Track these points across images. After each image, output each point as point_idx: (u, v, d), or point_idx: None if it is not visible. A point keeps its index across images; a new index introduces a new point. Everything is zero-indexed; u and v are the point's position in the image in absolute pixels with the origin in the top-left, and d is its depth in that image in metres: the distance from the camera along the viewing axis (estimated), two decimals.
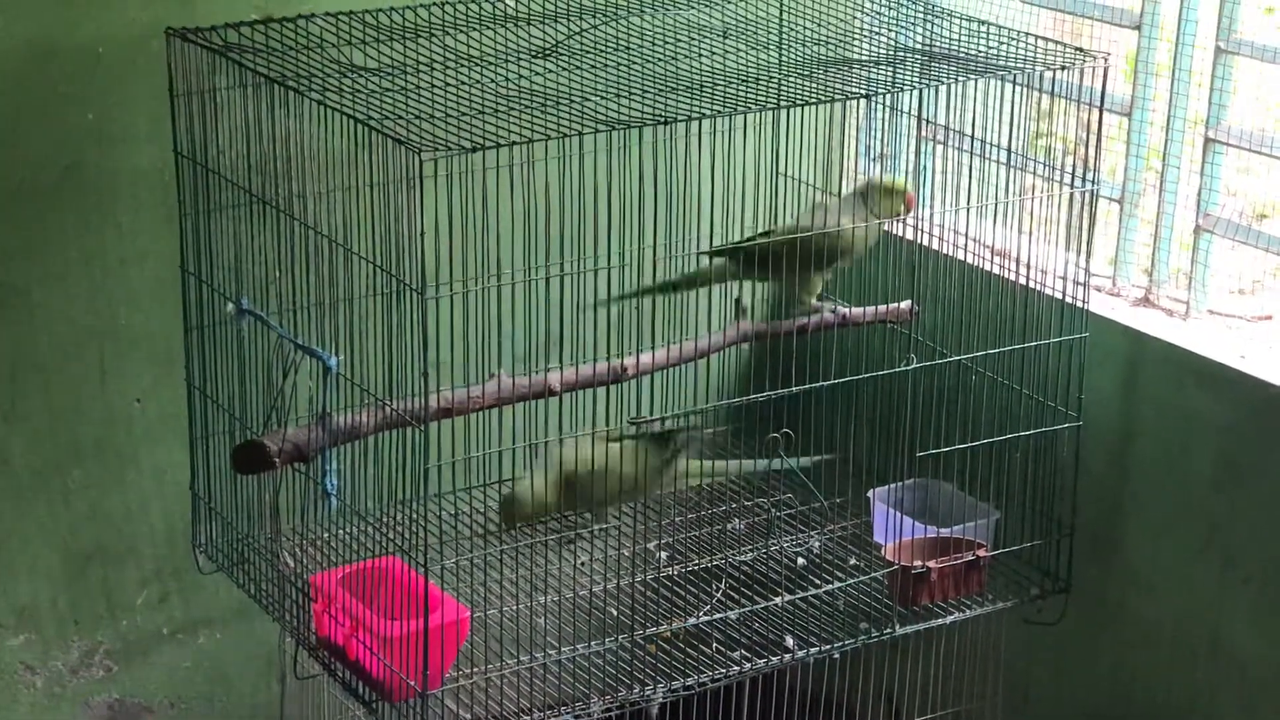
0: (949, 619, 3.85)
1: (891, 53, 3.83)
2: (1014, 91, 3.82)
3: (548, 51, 3.70)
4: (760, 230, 3.94)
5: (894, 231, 3.97)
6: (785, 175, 4.14)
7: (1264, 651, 3.82)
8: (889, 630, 3.80)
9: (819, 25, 3.94)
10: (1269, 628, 3.81)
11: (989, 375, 3.92)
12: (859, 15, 4.01)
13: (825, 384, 3.75)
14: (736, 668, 3.69)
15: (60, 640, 4.18)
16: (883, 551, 3.92)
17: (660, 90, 3.51)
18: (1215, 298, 4.08)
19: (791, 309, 3.90)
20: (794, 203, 4.24)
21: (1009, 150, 3.85)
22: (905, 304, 3.95)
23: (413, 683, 3.41)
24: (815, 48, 3.85)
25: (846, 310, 3.91)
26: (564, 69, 3.62)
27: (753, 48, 3.79)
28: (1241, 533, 3.83)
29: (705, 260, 3.89)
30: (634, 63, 3.67)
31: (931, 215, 3.93)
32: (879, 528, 4.02)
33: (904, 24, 3.97)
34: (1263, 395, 3.75)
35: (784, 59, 3.81)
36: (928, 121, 3.98)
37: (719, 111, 3.45)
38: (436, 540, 3.80)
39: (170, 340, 3.98)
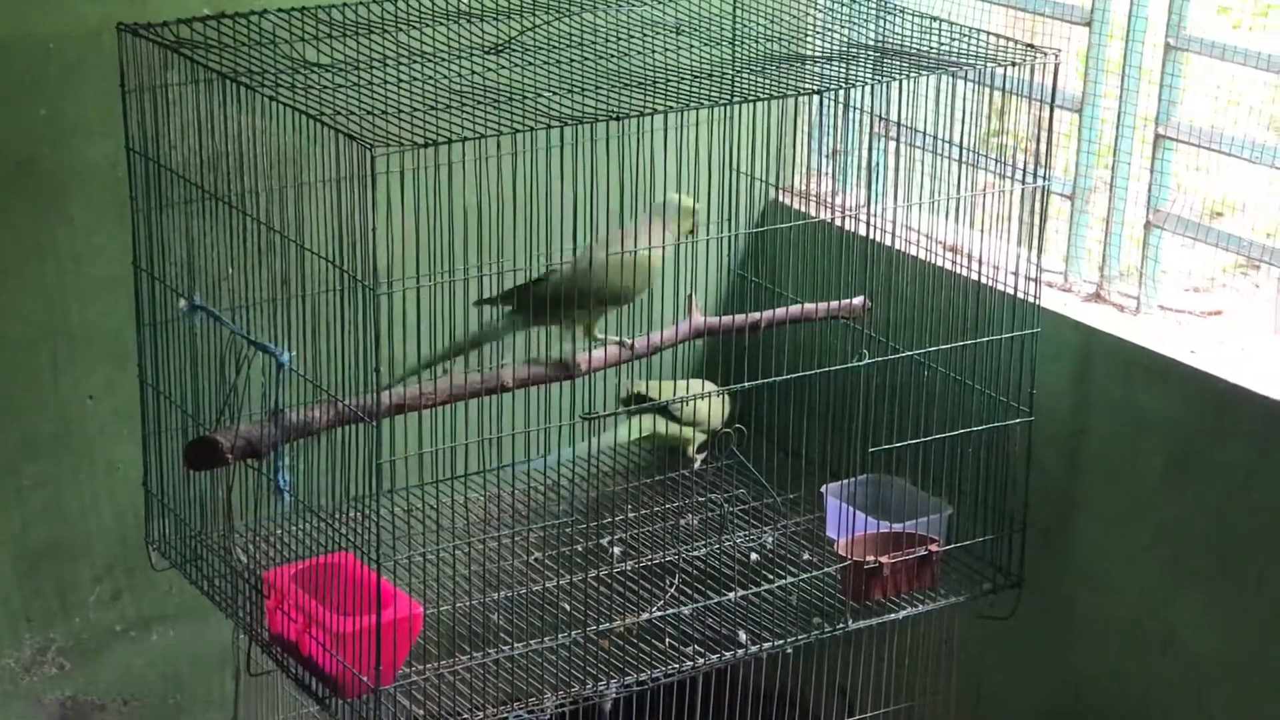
0: (901, 614, 3.86)
1: (844, 49, 3.84)
2: (966, 88, 3.83)
3: (501, 47, 3.70)
4: (539, 275, 3.75)
5: (846, 227, 3.98)
6: (739, 171, 4.15)
7: (1215, 645, 3.84)
8: (842, 625, 3.81)
9: (772, 21, 3.95)
10: (1219, 621, 3.83)
11: (941, 371, 3.93)
12: (812, 11, 4.02)
13: (778, 379, 3.76)
14: (690, 663, 3.69)
15: (12, 638, 4.16)
16: (835, 547, 3.92)
17: (613, 86, 3.51)
18: (1168, 294, 4.10)
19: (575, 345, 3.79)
20: (748, 199, 4.25)
21: (961, 146, 3.86)
22: (858, 300, 3.96)
23: (365, 678, 3.41)
24: (768, 44, 3.86)
25: (632, 343, 3.84)
26: (517, 65, 3.62)
27: (705, 44, 3.80)
28: (1192, 527, 3.85)
29: (489, 314, 3.75)
30: (587, 58, 3.67)
31: (883, 211, 3.94)
32: (832, 523, 4.02)
33: (857, 20, 3.98)
34: (1212, 390, 3.77)
35: (737, 55, 3.82)
36: (880, 117, 3.99)
37: (671, 107, 3.45)
38: (389, 536, 3.80)
39: (123, 336, 3.97)
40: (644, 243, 3.74)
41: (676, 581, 3.84)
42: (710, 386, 4.00)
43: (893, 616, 3.86)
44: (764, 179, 4.22)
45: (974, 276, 3.92)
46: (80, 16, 3.89)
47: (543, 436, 3.74)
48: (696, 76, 3.61)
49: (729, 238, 4.27)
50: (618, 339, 3.83)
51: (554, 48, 3.73)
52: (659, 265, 3.80)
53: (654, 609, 3.76)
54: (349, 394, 3.40)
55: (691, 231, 3.85)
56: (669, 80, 3.58)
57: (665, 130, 3.65)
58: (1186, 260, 4.18)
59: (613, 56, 3.69)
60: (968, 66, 3.74)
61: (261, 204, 3.53)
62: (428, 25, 3.77)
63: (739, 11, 3.99)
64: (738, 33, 3.91)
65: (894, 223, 3.93)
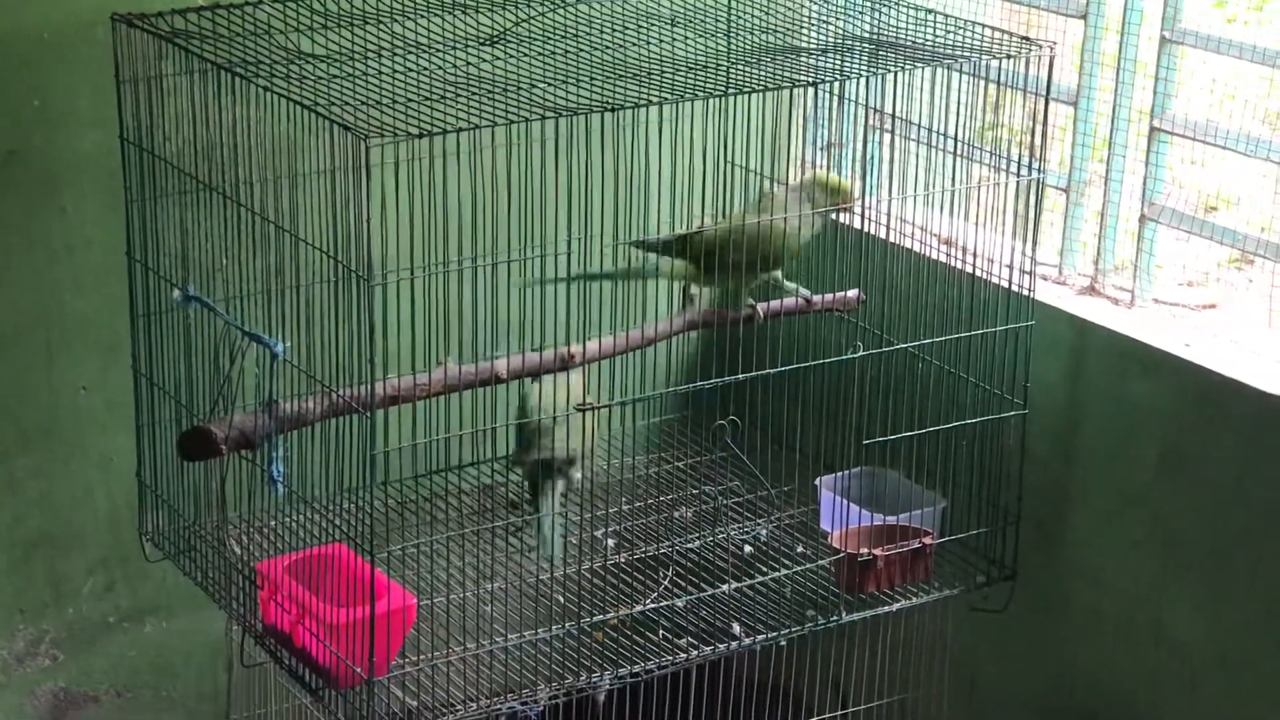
0: (895, 606, 3.86)
1: (839, 41, 3.84)
2: (961, 80, 3.83)
3: (496, 38, 3.70)
4: (693, 229, 3.86)
5: (841, 220, 3.98)
6: (733, 163, 4.15)
7: (1206, 637, 3.85)
8: (836, 618, 3.81)
9: (767, 13, 3.95)
10: (1211, 613, 3.84)
11: (936, 363, 3.93)
12: (807, 3, 4.02)
13: (773, 371, 3.75)
14: (684, 655, 3.69)
15: (6, 629, 4.16)
16: (830, 539, 3.92)
17: (608, 77, 3.51)
18: (1162, 287, 4.10)
19: (735, 303, 3.88)
20: (743, 191, 4.25)
21: (956, 139, 3.86)
22: (853, 292, 3.95)
23: (359, 670, 3.41)
24: (763, 36, 3.85)
25: (765, 305, 3.91)
26: (512, 56, 3.61)
27: (701, 35, 3.79)
28: (1184, 519, 3.86)
29: (649, 257, 3.87)
30: (582, 50, 3.67)
31: (878, 203, 3.94)
32: (826, 515, 4.03)
33: (852, 12, 3.98)
34: (1206, 383, 3.77)
35: (732, 47, 3.82)
36: (875, 110, 3.99)
37: (666, 99, 3.45)
38: (384, 527, 3.80)
39: (116, 327, 3.96)
40: (790, 213, 3.76)
41: (670, 574, 3.84)
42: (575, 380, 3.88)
43: (886, 609, 3.86)
44: (759, 171, 4.22)
45: (968, 269, 3.92)
46: (74, 7, 3.88)
47: (538, 430, 3.73)
48: (691, 68, 3.61)
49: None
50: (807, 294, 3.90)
51: (549, 39, 3.72)
52: (795, 237, 3.82)
53: (648, 601, 3.76)
54: (343, 385, 3.40)
55: (842, 210, 3.86)
56: (664, 72, 3.58)
57: (660, 122, 3.65)
58: (1181, 254, 4.18)
59: (608, 48, 3.69)
60: (963, 59, 3.74)
61: (256, 195, 3.53)
62: (423, 16, 3.76)
63: (734, 3, 3.99)
64: (733, 24, 3.91)
65: (888, 215, 3.93)
